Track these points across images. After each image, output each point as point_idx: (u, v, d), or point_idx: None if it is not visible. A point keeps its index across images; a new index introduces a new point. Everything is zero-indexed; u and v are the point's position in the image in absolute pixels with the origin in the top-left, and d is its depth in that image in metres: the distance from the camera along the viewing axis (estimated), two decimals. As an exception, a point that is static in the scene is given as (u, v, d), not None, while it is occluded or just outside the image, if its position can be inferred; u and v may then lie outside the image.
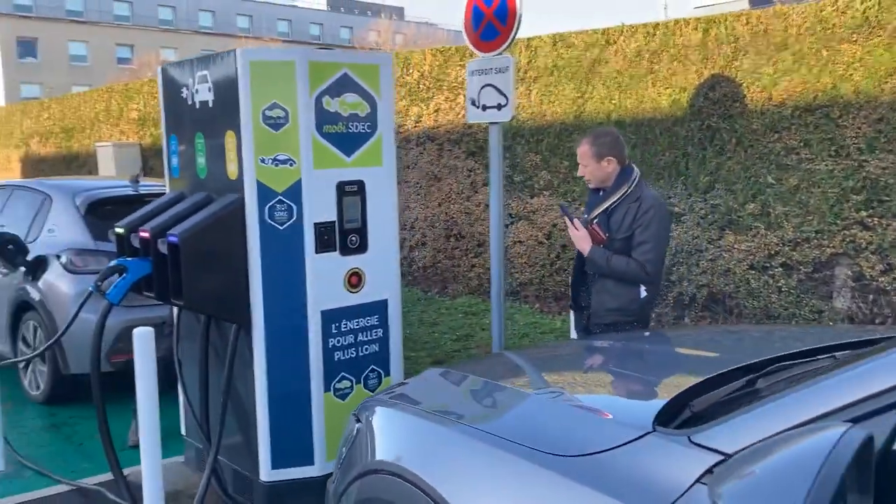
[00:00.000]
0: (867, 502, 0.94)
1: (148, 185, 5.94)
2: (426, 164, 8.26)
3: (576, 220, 3.62)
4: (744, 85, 5.61)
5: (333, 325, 3.68)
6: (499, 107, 4.90)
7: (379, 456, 1.89)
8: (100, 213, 5.64)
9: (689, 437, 1.27)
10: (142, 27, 51.67)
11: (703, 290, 5.92)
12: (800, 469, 0.89)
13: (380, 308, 3.85)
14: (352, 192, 3.68)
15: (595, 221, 3.58)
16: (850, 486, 0.93)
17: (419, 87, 8.30)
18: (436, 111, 8.09)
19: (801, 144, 5.32)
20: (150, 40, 50.02)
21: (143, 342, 3.13)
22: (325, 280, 3.61)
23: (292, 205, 3.52)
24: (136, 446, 4.76)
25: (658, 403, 1.46)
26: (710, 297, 5.90)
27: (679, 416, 1.42)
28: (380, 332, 3.86)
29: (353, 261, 3.70)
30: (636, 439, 1.35)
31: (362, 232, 3.72)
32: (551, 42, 7.01)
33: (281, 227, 3.52)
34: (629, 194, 3.51)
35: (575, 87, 6.77)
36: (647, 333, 3.14)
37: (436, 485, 1.59)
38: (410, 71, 8.37)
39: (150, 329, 3.27)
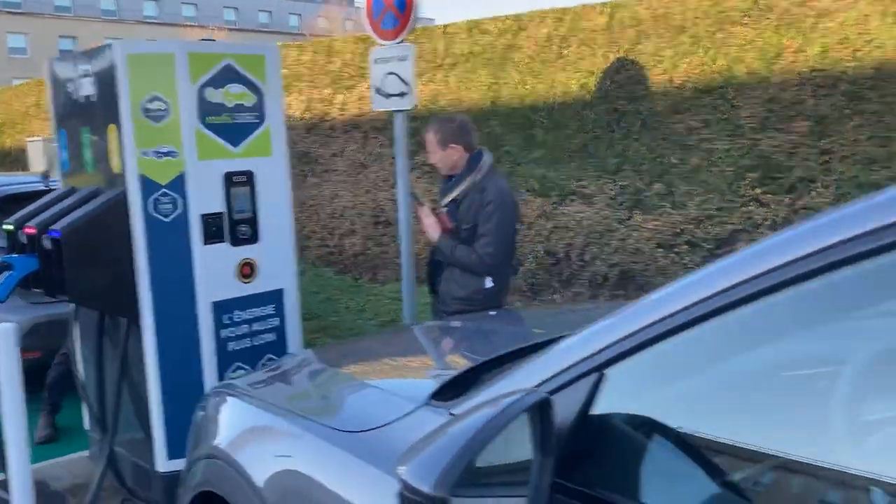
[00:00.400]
0: (549, 462, 1.02)
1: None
2: (352, 153, 8.28)
3: (425, 208, 3.65)
4: (647, 68, 5.75)
5: (226, 316, 3.71)
6: (401, 95, 4.95)
7: (213, 441, 1.95)
8: (8, 209, 5.56)
9: (449, 410, 1.35)
10: (83, 18, 50.43)
11: (614, 269, 6.06)
12: (470, 426, 0.97)
13: (275, 297, 3.89)
14: (240, 182, 3.70)
15: (444, 209, 3.59)
16: (533, 447, 1.02)
17: (342, 75, 8.30)
18: (359, 99, 8.10)
19: (701, 125, 5.48)
20: (94, 32, 48.85)
21: (5, 340, 3.14)
22: (215, 271, 3.63)
23: (177, 196, 3.53)
24: (43, 442, 4.79)
25: (443, 380, 1.55)
26: (622, 276, 6.05)
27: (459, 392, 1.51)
28: (276, 321, 3.90)
29: (245, 251, 3.73)
30: (409, 413, 1.43)
31: (253, 222, 3.75)
32: (467, 29, 7.06)
33: (166, 219, 3.53)
34: (476, 184, 3.50)
35: (490, 72, 6.85)
36: (479, 316, 3.18)
37: (247, 467, 1.65)
38: (333, 59, 8.37)
39: (13, 325, 3.28)
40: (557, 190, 6.40)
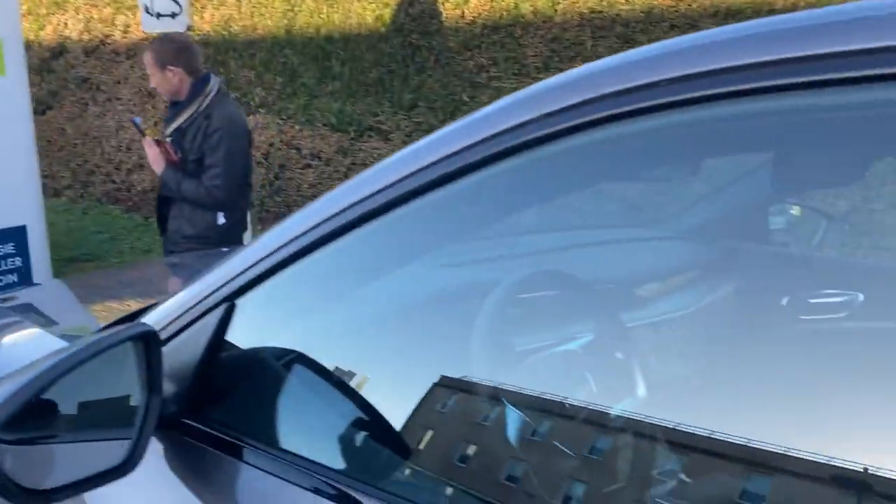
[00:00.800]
0: (155, 400, 0.93)
1: None
2: (138, 80, 7.64)
3: (147, 138, 3.38)
4: (440, 2, 5.68)
5: (-47, 255, 3.30)
6: (173, 16, 4.57)
7: None
8: None
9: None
10: None
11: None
12: (45, 362, 0.86)
13: (15, 235, 3.50)
14: (-37, 105, 3.27)
15: (169, 140, 3.35)
16: (139, 385, 0.92)
17: (125, -6, 7.58)
18: (145, 21, 7.45)
19: (491, 63, 5.52)
20: None
21: None
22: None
23: None
24: None
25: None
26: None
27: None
28: (17, 260, 3.52)
29: (-25, 183, 3.32)
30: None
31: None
32: (260, -51, 6.64)
33: None
34: (201, 111, 3.27)
35: (284, -1, 6.51)
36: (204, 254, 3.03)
37: None
38: (114, -25, 7.61)
39: None
40: (355, 125, 6.26)
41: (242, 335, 1.04)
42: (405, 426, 0.96)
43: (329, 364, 1.01)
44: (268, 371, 1.05)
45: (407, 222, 0.96)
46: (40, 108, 8.45)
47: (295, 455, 0.94)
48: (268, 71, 6.77)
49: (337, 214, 0.95)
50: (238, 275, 1.02)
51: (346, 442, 0.98)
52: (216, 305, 1.02)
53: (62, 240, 6.75)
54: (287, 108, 6.70)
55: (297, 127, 6.57)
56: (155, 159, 3.29)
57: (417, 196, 0.92)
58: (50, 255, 3.69)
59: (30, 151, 3.51)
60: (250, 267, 1.01)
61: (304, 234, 0.97)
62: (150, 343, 0.92)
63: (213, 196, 3.23)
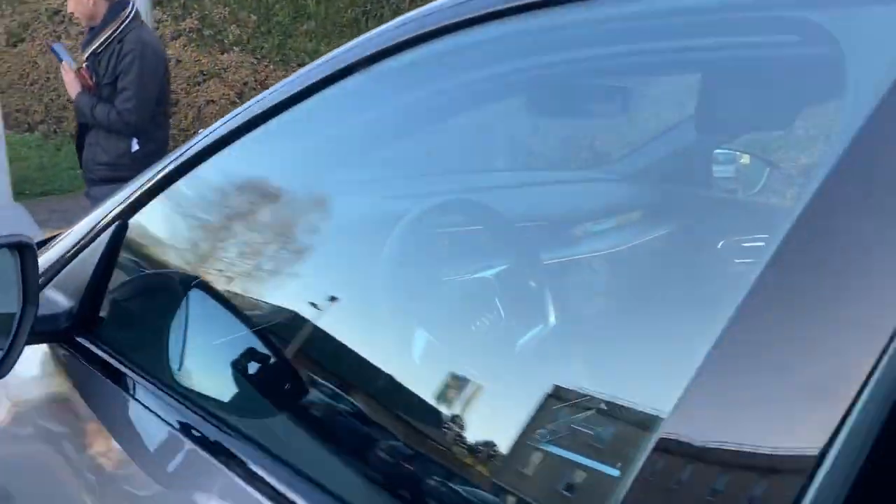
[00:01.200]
0: (31, 311, 0.92)
1: None
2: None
3: (65, 63, 3.30)
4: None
5: None
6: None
7: None
8: None
9: None
10: None
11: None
12: None
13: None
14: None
15: (85, 65, 3.29)
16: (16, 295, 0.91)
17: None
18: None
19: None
20: None
21: None
22: None
23: None
24: None
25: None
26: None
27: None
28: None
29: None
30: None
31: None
32: None
33: None
34: (115, 35, 3.21)
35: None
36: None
37: None
38: None
39: None
40: (330, 67, 6.17)
41: (136, 255, 1.03)
42: (299, 364, 0.94)
43: (221, 289, 1.00)
44: (157, 294, 1.04)
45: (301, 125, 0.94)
46: (12, 40, 8.26)
47: (175, 390, 0.92)
48: (242, 8, 6.64)
49: (226, 124, 0.94)
50: (131, 193, 1.00)
51: (231, 383, 0.96)
52: (109, 224, 1.01)
53: (34, 175, 6.68)
54: (261, 48, 6.59)
55: (270, 66, 6.47)
56: (70, 84, 3.25)
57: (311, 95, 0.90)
58: (10, 179, 3.64)
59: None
60: (142, 185, 0.99)
61: (192, 146, 0.95)
62: (24, 253, 0.91)
63: (124, 119, 3.18)
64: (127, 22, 3.19)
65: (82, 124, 3.40)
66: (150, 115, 3.26)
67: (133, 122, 3.19)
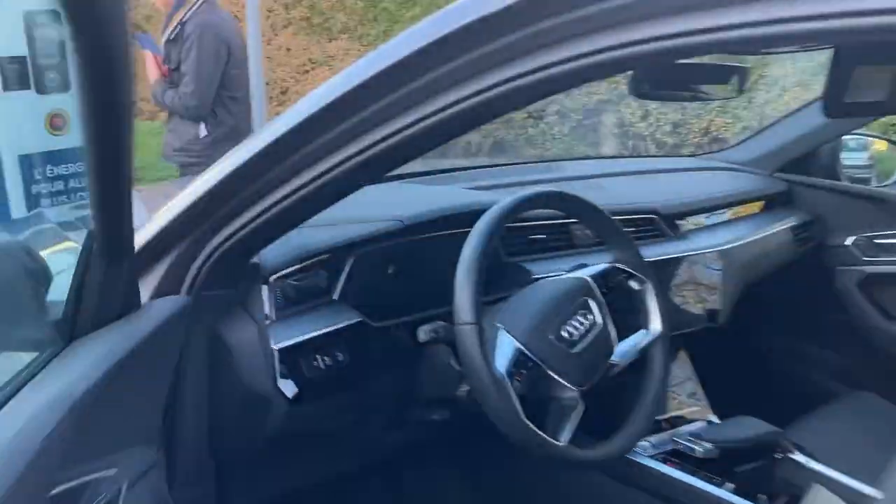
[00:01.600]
0: None
1: None
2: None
3: (147, 51, 3.33)
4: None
5: (37, 171, 3.45)
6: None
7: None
8: None
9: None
10: None
11: (488, 139, 5.97)
12: None
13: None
14: (45, 22, 3.35)
15: (160, 52, 3.30)
16: None
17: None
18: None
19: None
20: None
21: None
22: (20, 121, 3.35)
23: (-36, 35, 3.19)
24: None
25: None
26: (496, 146, 5.97)
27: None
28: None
29: (54, 100, 3.43)
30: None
31: (63, 68, 3.42)
32: None
33: (-45, 62, 3.20)
34: (184, 21, 3.18)
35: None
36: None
37: None
38: None
39: None
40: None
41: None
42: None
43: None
44: None
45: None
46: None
47: None
48: (350, -4, 6.72)
49: None
50: None
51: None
52: None
53: (153, 160, 7.01)
54: (368, 35, 6.64)
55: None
56: (149, 72, 3.30)
57: None
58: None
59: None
60: None
61: None
62: None
63: (185, 104, 3.18)
64: (195, 6, 3.18)
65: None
66: (215, 99, 3.22)
67: (193, 106, 3.17)
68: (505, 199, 1.07)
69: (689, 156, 2.25)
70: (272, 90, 7.62)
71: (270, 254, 1.00)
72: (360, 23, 6.73)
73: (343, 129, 0.76)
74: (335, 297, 1.10)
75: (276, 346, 0.98)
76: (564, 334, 1.02)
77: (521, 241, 1.34)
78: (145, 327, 0.81)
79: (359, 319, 1.07)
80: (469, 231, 1.02)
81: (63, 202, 3.55)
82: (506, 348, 0.99)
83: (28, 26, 3.27)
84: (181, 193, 0.89)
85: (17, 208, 3.40)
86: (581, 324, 1.04)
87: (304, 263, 1.07)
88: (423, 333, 1.05)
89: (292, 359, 1.00)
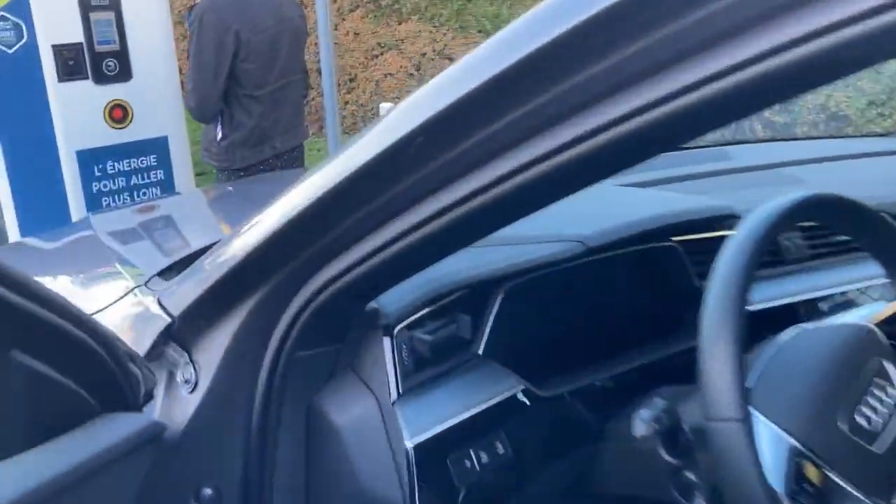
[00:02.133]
0: None
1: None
2: None
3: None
4: None
5: (97, 167, 3.21)
6: None
7: None
8: None
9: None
10: None
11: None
12: None
13: (157, 146, 3.37)
14: (101, 6, 3.09)
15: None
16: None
17: None
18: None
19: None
20: None
21: None
22: (77, 114, 3.10)
23: (19, 22, 2.95)
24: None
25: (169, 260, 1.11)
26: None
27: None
28: (160, 173, 3.40)
29: (114, 90, 3.17)
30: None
31: (122, 56, 3.16)
32: None
33: (9, 51, 2.96)
34: (197, 1, 2.85)
35: None
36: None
37: None
38: None
39: None
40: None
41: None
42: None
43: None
44: None
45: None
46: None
47: None
48: (420, -26, 6.36)
49: None
50: None
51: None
52: None
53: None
54: (440, 15, 6.28)
55: (449, 34, 6.15)
56: None
57: None
58: (192, 167, 3.55)
59: (170, 52, 3.33)
60: None
61: None
62: None
63: (186, 105, 2.89)
64: None
65: None
66: (228, 98, 2.81)
67: (193, 105, 2.80)
68: (770, 203, 0.69)
69: (881, 135, 1.81)
70: (340, 77, 7.33)
71: (391, 294, 0.65)
72: (432, 2, 6.36)
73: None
74: (479, 350, 0.74)
75: (410, 443, 0.63)
76: (861, 421, 0.63)
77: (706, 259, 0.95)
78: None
79: (521, 387, 0.71)
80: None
81: (125, 198, 3.31)
82: (776, 450, 0.60)
83: (83, 10, 3.02)
84: (265, 212, 0.56)
85: (76, 206, 3.17)
86: (882, 402, 0.65)
87: (435, 305, 0.71)
88: (642, 425, 0.67)
89: (434, 459, 0.64)
